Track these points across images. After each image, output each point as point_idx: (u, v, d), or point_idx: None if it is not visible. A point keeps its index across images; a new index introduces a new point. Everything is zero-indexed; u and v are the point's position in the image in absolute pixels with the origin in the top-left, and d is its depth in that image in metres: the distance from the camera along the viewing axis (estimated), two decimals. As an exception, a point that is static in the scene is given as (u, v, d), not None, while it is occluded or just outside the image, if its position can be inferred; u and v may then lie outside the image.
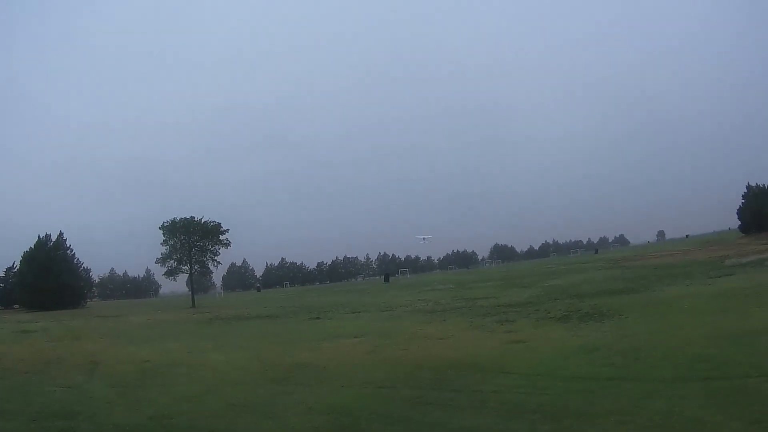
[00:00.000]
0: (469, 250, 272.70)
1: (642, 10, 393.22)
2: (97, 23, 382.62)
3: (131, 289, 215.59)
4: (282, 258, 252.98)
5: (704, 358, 14.60)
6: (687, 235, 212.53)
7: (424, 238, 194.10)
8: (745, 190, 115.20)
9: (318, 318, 38.97)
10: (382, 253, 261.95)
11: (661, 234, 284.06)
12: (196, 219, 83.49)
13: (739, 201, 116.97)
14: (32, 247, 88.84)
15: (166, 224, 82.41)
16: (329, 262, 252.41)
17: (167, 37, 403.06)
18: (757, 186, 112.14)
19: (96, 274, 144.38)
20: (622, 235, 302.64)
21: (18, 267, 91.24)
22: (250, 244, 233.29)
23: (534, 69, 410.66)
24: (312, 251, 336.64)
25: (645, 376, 13.68)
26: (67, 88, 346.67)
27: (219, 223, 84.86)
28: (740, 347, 15.42)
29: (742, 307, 22.99)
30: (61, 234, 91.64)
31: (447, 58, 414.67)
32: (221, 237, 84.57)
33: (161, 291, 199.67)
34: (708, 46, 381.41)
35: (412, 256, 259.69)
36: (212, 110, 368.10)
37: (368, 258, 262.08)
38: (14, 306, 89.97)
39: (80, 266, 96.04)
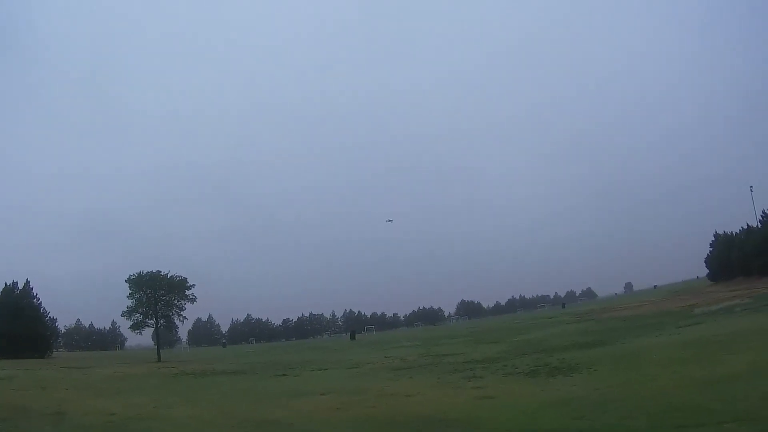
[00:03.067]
0: (435, 307, 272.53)
1: (608, 71, 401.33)
2: (54, 75, 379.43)
3: (97, 340, 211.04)
4: (247, 314, 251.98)
5: (677, 407, 14.61)
6: (655, 286, 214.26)
7: (389, 220, 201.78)
8: (713, 239, 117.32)
9: (285, 375, 38.43)
10: (347, 310, 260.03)
11: (628, 286, 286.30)
12: (162, 273, 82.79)
13: (707, 249, 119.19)
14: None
15: (132, 277, 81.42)
16: (295, 319, 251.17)
17: (124, 90, 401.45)
18: (725, 234, 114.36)
19: (62, 325, 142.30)
20: (589, 289, 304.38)
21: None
22: (216, 300, 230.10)
23: (499, 131, 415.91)
24: (277, 308, 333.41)
25: (618, 427, 13.63)
26: (25, 140, 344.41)
27: (185, 278, 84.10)
28: (713, 394, 15.50)
29: (713, 355, 23.16)
30: (27, 282, 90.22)
31: (412, 120, 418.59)
32: (187, 292, 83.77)
33: (127, 344, 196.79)
34: (674, 103, 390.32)
35: (378, 314, 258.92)
36: (173, 164, 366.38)
37: (334, 315, 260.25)
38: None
39: (46, 315, 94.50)
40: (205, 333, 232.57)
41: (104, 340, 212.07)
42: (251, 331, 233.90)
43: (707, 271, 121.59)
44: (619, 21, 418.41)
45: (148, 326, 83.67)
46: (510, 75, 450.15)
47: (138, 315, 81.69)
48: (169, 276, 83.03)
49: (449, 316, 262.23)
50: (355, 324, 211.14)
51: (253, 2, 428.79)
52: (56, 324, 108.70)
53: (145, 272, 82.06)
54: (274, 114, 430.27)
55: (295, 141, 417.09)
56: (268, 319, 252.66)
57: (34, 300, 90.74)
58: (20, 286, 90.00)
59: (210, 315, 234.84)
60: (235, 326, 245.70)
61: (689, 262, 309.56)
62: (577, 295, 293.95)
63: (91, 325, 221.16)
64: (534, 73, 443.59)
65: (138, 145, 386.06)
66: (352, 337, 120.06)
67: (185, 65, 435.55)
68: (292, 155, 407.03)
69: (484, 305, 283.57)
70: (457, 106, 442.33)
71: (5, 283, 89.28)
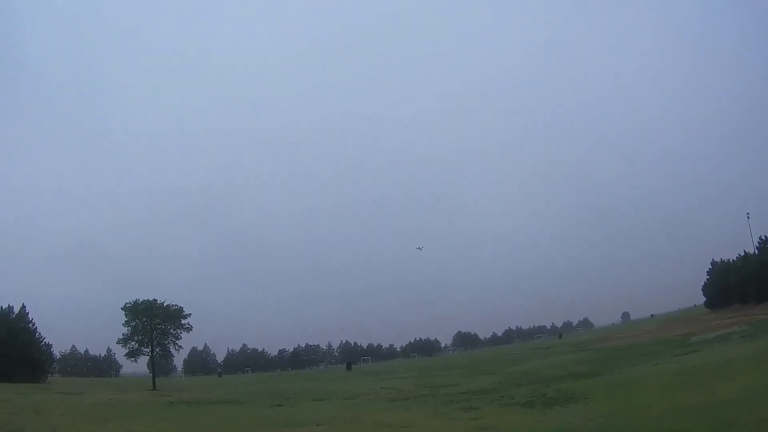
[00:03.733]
0: (432, 338, 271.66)
1: (597, 95, 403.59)
2: (39, 99, 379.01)
3: (92, 367, 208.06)
4: (243, 344, 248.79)
5: (672, 433, 14.60)
6: (652, 315, 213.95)
7: (419, 248, 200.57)
8: (710, 266, 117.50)
9: (280, 405, 38.20)
10: (343, 341, 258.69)
11: (625, 315, 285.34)
12: (158, 302, 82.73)
13: (704, 277, 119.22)
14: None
15: (128, 305, 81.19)
16: (291, 349, 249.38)
17: (108, 113, 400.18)
18: (722, 261, 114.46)
19: (57, 350, 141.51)
20: (586, 319, 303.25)
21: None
22: (212, 329, 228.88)
23: (489, 158, 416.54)
24: (273, 338, 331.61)
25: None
26: (9, 160, 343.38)
27: (181, 307, 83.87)
28: (707, 419, 15.61)
29: (708, 382, 23.25)
30: (23, 306, 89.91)
31: (402, 146, 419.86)
32: (183, 321, 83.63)
33: (122, 371, 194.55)
34: (667, 128, 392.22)
35: (374, 344, 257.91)
36: (160, 188, 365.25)
37: (330, 346, 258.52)
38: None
39: (42, 340, 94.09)
40: (200, 362, 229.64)
41: (99, 367, 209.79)
42: (247, 360, 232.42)
43: (704, 298, 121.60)
44: (608, 44, 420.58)
45: (144, 354, 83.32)
46: (496, 102, 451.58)
47: (134, 343, 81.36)
48: (165, 305, 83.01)
49: (446, 347, 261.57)
50: (351, 355, 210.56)
51: (238, 25, 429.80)
52: (51, 349, 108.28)
53: (141, 300, 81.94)
54: (261, 137, 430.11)
55: (282, 165, 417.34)
56: (264, 349, 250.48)
57: (30, 324, 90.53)
58: (16, 310, 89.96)
59: (206, 344, 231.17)
60: (230, 356, 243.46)
61: (686, 290, 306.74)
62: (574, 325, 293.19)
63: (87, 351, 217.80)
64: (521, 99, 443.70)
65: (125, 167, 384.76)
66: (349, 368, 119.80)
67: (170, 88, 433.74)
68: (279, 180, 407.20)
69: (481, 336, 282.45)
70: (445, 134, 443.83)
71: (0, 307, 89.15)
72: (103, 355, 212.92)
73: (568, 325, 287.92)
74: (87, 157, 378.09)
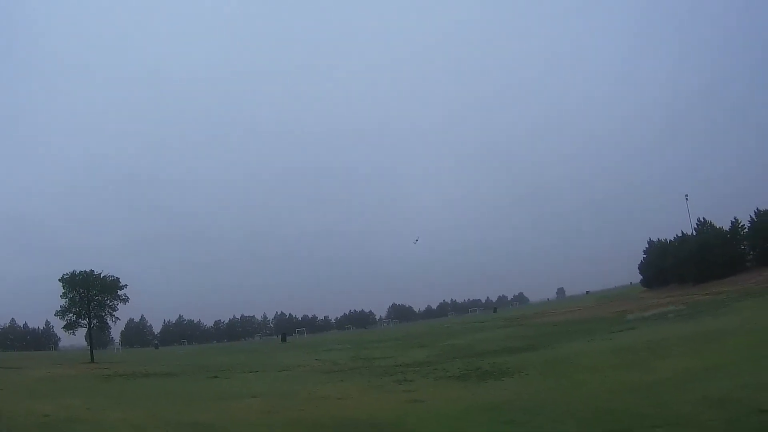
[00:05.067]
0: (367, 310, 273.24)
1: (530, 75, 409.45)
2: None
3: (31, 340, 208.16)
4: (180, 315, 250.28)
5: (608, 412, 14.71)
6: (587, 291, 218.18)
7: (416, 240, 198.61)
8: (647, 245, 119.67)
9: (216, 377, 38.06)
10: (278, 312, 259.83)
11: (560, 291, 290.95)
12: (95, 273, 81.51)
13: (641, 256, 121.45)
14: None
15: (65, 276, 79.98)
16: (226, 321, 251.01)
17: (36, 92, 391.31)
18: (659, 241, 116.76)
19: None
20: (521, 294, 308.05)
21: None
22: (148, 301, 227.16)
23: (426, 134, 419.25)
24: (208, 309, 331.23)
25: (548, 431, 13.59)
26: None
27: (117, 278, 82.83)
28: (645, 399, 15.66)
29: (644, 361, 23.58)
30: None
31: (330, 118, 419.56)
32: (120, 292, 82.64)
33: (60, 344, 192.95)
34: (604, 108, 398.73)
35: (309, 316, 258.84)
36: (90, 161, 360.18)
37: (265, 317, 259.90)
38: None
39: None
40: (137, 334, 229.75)
41: (38, 341, 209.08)
42: (183, 332, 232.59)
43: (641, 277, 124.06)
44: (545, 25, 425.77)
45: (81, 326, 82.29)
46: (429, 77, 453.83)
47: (71, 315, 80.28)
48: (102, 276, 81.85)
49: (380, 319, 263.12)
50: (286, 326, 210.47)
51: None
52: None
53: (78, 272, 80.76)
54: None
55: (207, 132, 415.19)
56: (200, 321, 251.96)
57: None
58: None
59: (142, 316, 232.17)
60: (167, 327, 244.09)
61: (623, 269, 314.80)
62: (509, 300, 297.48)
63: (26, 324, 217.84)
64: (453, 76, 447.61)
65: (50, 137, 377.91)
66: (283, 340, 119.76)
67: (100, 56, 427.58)
68: (205, 147, 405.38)
69: (416, 309, 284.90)
70: (376, 107, 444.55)
71: None
72: (42, 328, 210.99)
73: (503, 300, 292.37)
74: (12, 126, 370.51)
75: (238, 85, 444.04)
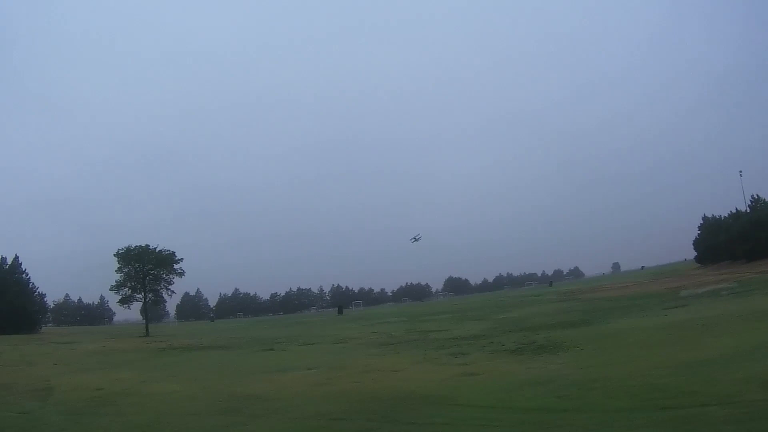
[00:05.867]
0: (423, 283, 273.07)
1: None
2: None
3: (86, 315, 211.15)
4: (236, 288, 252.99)
5: (660, 388, 14.55)
6: (642, 267, 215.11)
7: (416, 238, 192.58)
8: (701, 222, 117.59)
9: (271, 349, 38.45)
10: (335, 285, 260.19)
11: (616, 266, 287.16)
12: (150, 247, 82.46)
13: (695, 232, 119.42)
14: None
15: (120, 251, 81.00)
16: (282, 294, 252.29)
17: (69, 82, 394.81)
18: (713, 217, 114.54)
19: (51, 300, 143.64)
20: (576, 268, 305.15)
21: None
22: (204, 274, 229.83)
23: (473, 98, 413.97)
24: (265, 282, 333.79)
25: (600, 406, 13.60)
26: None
27: (173, 252, 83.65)
28: (696, 377, 15.48)
29: (696, 338, 23.25)
30: (16, 257, 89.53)
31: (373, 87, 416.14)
32: (175, 266, 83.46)
33: (115, 318, 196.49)
34: (661, 65, 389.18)
35: (366, 288, 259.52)
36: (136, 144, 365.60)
37: (322, 290, 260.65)
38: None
39: (35, 291, 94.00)
40: (193, 307, 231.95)
41: (93, 315, 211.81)
42: (239, 305, 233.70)
43: (695, 253, 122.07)
44: None
45: (137, 300, 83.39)
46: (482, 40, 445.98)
47: (126, 289, 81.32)
48: (157, 250, 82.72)
49: (436, 292, 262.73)
50: (342, 298, 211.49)
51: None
52: (45, 299, 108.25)
53: (133, 246, 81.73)
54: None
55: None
56: (256, 294, 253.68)
57: (23, 275, 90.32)
58: (9, 262, 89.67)
59: (198, 289, 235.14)
60: (223, 301, 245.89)
61: (678, 245, 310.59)
62: (564, 274, 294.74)
63: (80, 299, 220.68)
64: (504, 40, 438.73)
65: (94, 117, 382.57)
66: (340, 312, 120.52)
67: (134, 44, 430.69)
68: (255, 125, 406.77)
69: (472, 282, 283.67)
70: (422, 73, 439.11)
71: None
72: (96, 303, 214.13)
73: (558, 274, 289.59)
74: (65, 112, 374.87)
75: (279, 57, 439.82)
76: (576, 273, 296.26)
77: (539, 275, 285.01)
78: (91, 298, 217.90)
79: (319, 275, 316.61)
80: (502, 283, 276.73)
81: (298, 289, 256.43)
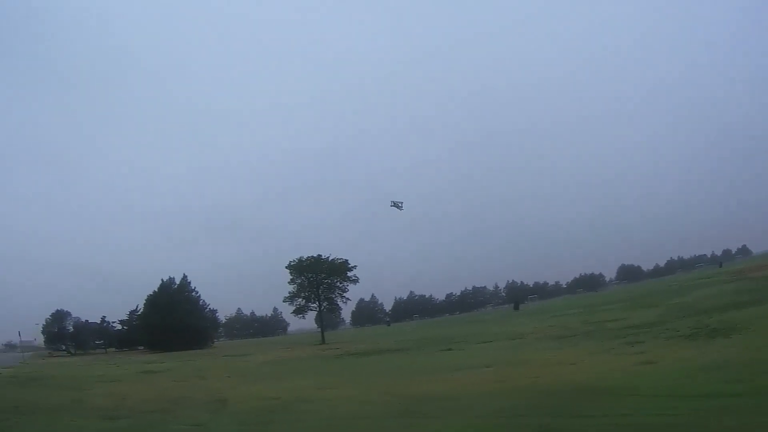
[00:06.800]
0: (596, 273, 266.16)
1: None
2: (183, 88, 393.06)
3: (258, 327, 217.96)
4: (410, 291, 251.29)
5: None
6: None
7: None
8: None
9: (449, 349, 39.11)
10: (510, 281, 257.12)
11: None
12: (323, 257, 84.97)
13: None
14: (156, 290, 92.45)
15: (292, 263, 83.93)
16: (458, 293, 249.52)
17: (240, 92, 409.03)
18: None
19: (222, 315, 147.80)
20: (744, 246, 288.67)
21: (141, 310, 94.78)
22: (379, 280, 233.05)
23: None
24: (440, 283, 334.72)
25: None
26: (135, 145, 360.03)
27: (346, 260, 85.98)
28: None
29: None
30: (184, 277, 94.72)
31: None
32: (349, 273, 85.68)
33: (289, 329, 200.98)
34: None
35: (540, 282, 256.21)
36: (283, 154, 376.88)
37: (497, 287, 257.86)
38: (138, 347, 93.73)
39: (206, 307, 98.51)
40: (368, 313, 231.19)
41: (266, 327, 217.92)
42: (414, 307, 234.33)
43: None
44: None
45: (311, 310, 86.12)
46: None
47: (300, 300, 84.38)
48: (329, 259, 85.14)
49: (610, 281, 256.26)
50: (518, 294, 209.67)
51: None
52: (216, 314, 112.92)
53: (305, 257, 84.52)
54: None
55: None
56: (431, 295, 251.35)
57: (192, 293, 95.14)
58: (177, 281, 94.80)
59: (373, 295, 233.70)
60: (398, 304, 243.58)
61: None
62: (733, 253, 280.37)
63: (252, 313, 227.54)
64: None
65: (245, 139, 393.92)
66: (516, 308, 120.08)
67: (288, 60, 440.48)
68: (417, 126, 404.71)
69: (644, 268, 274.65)
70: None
71: (162, 279, 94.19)
72: (269, 315, 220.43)
73: (727, 254, 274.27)
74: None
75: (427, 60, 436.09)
76: (744, 251, 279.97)
77: (708, 256, 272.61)
78: (263, 310, 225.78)
79: (493, 272, 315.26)
80: (674, 267, 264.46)
81: (474, 287, 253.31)
